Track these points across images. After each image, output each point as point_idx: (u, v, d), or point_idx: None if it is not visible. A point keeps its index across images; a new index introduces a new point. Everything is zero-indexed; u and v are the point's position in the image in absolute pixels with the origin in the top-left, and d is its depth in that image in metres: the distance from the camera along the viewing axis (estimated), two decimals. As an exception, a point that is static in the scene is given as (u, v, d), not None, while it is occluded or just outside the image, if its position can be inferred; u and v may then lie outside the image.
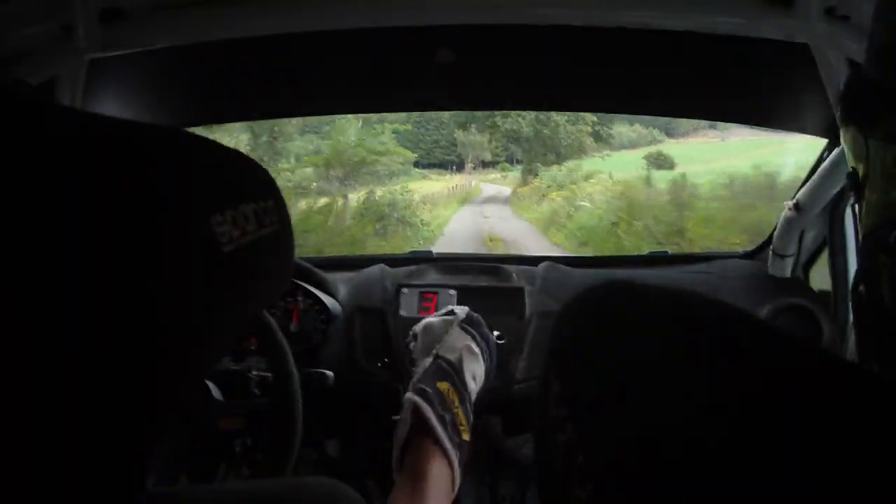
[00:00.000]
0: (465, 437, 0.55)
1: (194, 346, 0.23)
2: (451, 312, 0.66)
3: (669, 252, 1.33)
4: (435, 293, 1.00)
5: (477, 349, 0.60)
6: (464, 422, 0.55)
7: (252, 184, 0.26)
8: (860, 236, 0.27)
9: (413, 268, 1.08)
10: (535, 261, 1.11)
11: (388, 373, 0.94)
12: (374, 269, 1.08)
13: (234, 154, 0.26)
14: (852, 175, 0.28)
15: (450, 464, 0.52)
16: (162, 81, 0.90)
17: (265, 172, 0.28)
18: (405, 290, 1.00)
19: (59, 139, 0.18)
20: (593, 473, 0.16)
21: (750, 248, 1.19)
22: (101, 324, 0.18)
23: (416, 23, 0.76)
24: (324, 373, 0.77)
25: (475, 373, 0.59)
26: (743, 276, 1.06)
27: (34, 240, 0.17)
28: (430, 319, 0.65)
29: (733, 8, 0.73)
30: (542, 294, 0.99)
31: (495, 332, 0.95)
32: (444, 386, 0.55)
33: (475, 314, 0.67)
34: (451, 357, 0.58)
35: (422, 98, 1.10)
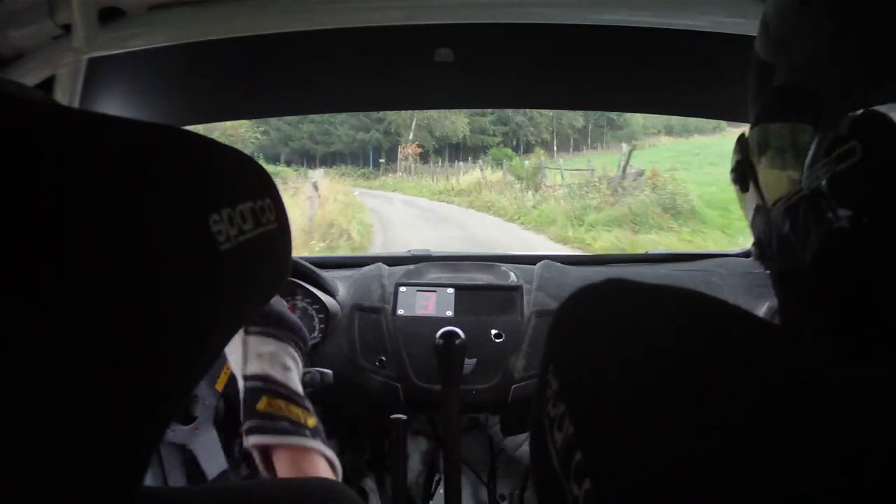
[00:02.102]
0: (311, 423, 0.53)
1: (192, 344, 0.23)
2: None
3: (668, 250, 1.34)
4: (433, 291, 1.00)
5: (272, 346, 0.57)
6: (299, 414, 0.53)
7: (250, 183, 0.26)
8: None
9: (412, 266, 1.08)
10: (532, 260, 1.11)
11: (387, 371, 0.94)
12: (373, 268, 1.08)
13: (233, 153, 0.26)
14: (742, 166, 0.29)
15: (313, 451, 0.51)
16: (160, 81, 0.90)
17: (263, 171, 0.28)
18: (403, 288, 1.00)
19: (56, 138, 0.18)
20: (591, 470, 0.16)
21: (748, 247, 1.20)
22: (99, 322, 0.18)
23: (416, 22, 0.76)
24: (323, 371, 0.77)
25: (284, 363, 0.56)
26: (742, 275, 1.06)
27: (31, 239, 0.17)
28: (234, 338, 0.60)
29: (733, 7, 0.73)
30: (539, 292, 1.00)
31: (493, 331, 0.95)
32: (261, 404, 0.53)
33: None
34: (253, 370, 0.55)
35: (421, 97, 1.10)
